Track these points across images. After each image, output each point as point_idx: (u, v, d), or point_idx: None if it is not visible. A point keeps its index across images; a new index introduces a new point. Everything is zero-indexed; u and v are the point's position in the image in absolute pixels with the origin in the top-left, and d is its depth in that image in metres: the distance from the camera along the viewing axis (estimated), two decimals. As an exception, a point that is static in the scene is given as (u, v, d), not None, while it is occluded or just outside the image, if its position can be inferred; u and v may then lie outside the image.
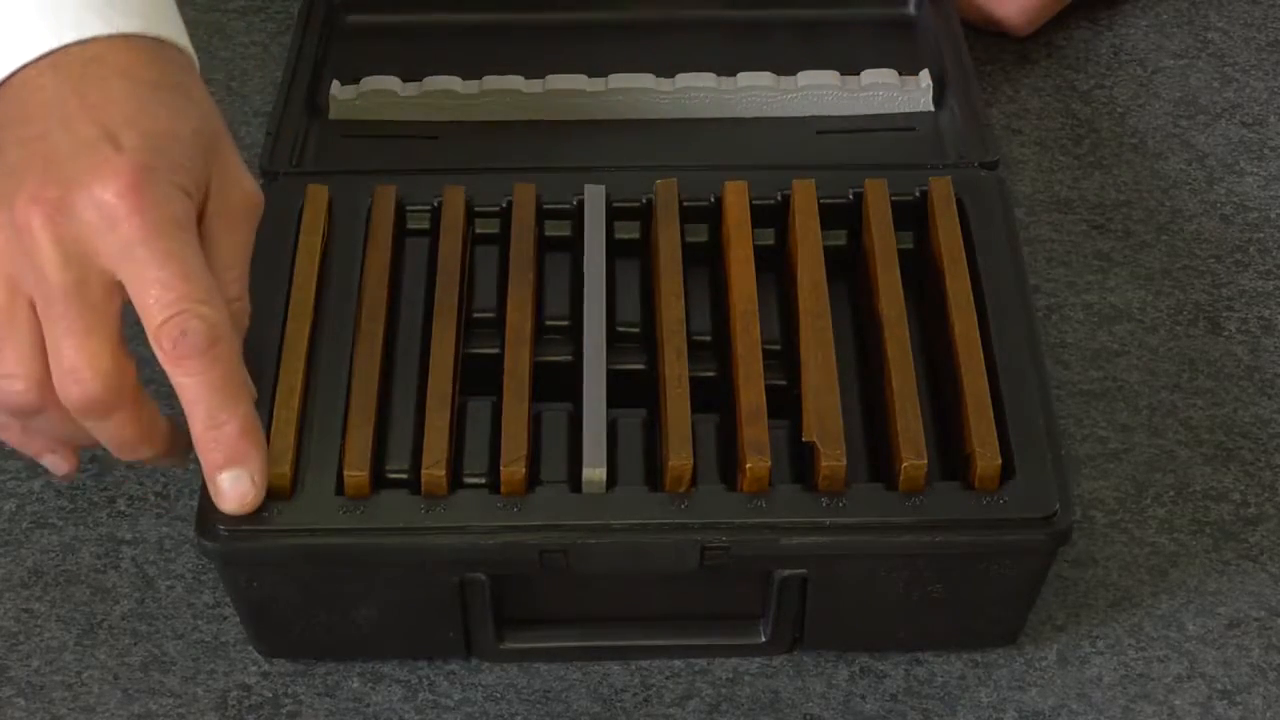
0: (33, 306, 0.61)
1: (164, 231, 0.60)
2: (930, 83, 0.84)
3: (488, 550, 0.65)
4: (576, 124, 0.83)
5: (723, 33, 0.89)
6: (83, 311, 0.60)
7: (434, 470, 0.66)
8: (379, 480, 0.67)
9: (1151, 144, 0.89)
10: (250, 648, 0.70)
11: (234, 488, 0.63)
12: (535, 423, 0.70)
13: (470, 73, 0.84)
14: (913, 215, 0.76)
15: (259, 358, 0.69)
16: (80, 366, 0.60)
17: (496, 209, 0.75)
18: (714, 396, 0.71)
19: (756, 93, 0.84)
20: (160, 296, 0.60)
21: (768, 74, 0.84)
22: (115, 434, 0.63)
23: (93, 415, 0.62)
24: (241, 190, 0.64)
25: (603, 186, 0.75)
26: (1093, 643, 0.70)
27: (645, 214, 0.76)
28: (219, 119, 0.65)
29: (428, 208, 0.75)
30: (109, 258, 0.60)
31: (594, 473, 0.66)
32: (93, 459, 0.76)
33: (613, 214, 0.76)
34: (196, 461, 0.75)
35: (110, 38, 0.63)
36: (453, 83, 0.83)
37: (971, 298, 0.71)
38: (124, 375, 0.61)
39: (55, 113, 0.61)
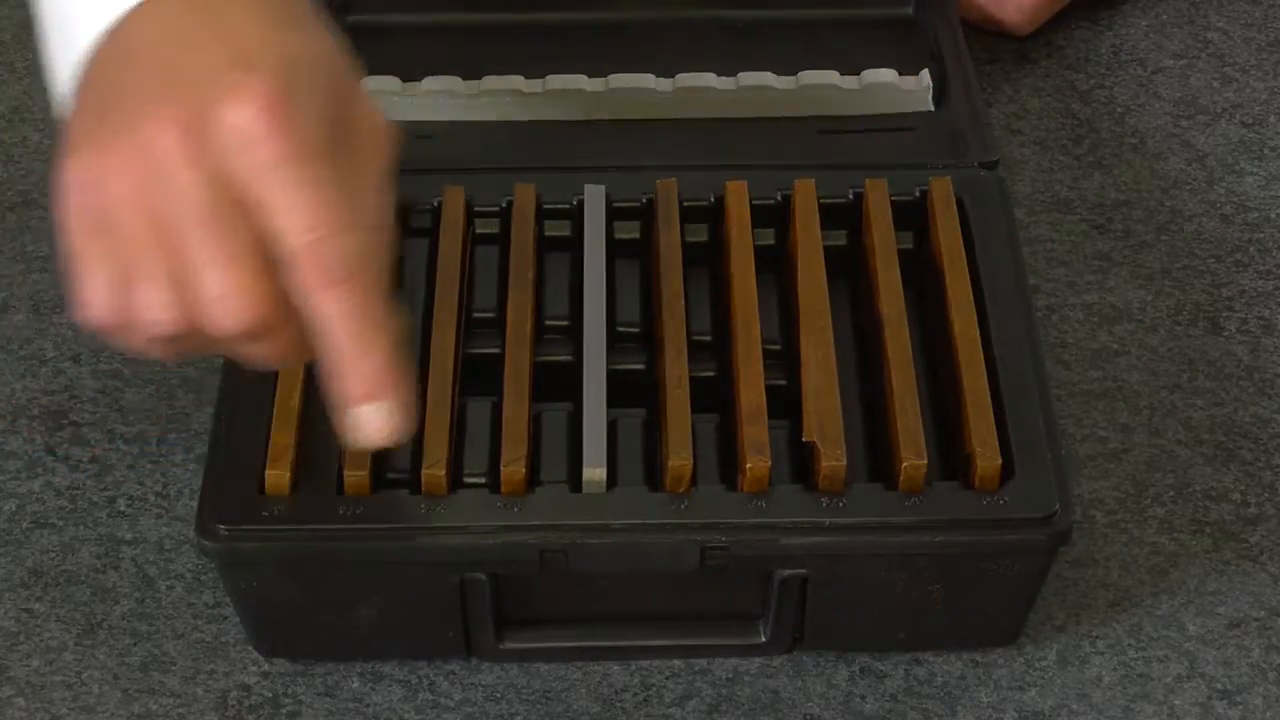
0: (167, 232, 0.58)
1: (304, 155, 0.57)
2: (930, 83, 0.84)
3: (488, 550, 0.65)
4: (576, 124, 0.83)
5: (723, 33, 0.89)
6: (226, 237, 0.58)
7: (434, 470, 0.65)
8: (379, 480, 0.66)
9: (1151, 144, 0.89)
10: (250, 648, 0.70)
11: (373, 419, 0.60)
12: (535, 423, 0.70)
13: (470, 73, 0.84)
14: (913, 215, 0.76)
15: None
16: (229, 294, 0.58)
17: (496, 209, 0.75)
18: (714, 396, 0.71)
19: (756, 93, 0.84)
20: (300, 221, 0.57)
21: (768, 74, 0.84)
22: (265, 352, 0.60)
23: (243, 340, 0.59)
24: (372, 120, 0.61)
25: (603, 187, 0.75)
26: (1093, 643, 0.70)
27: (645, 214, 0.76)
28: (341, 52, 0.62)
29: (428, 208, 0.75)
30: (247, 178, 0.58)
31: (594, 473, 0.66)
32: (93, 459, 0.76)
33: (613, 214, 0.76)
34: (196, 461, 0.75)
35: None
36: (453, 83, 0.83)
37: (971, 298, 0.71)
38: (275, 300, 0.58)
39: (184, 39, 0.59)
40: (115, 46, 0.61)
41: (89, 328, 0.60)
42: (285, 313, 0.58)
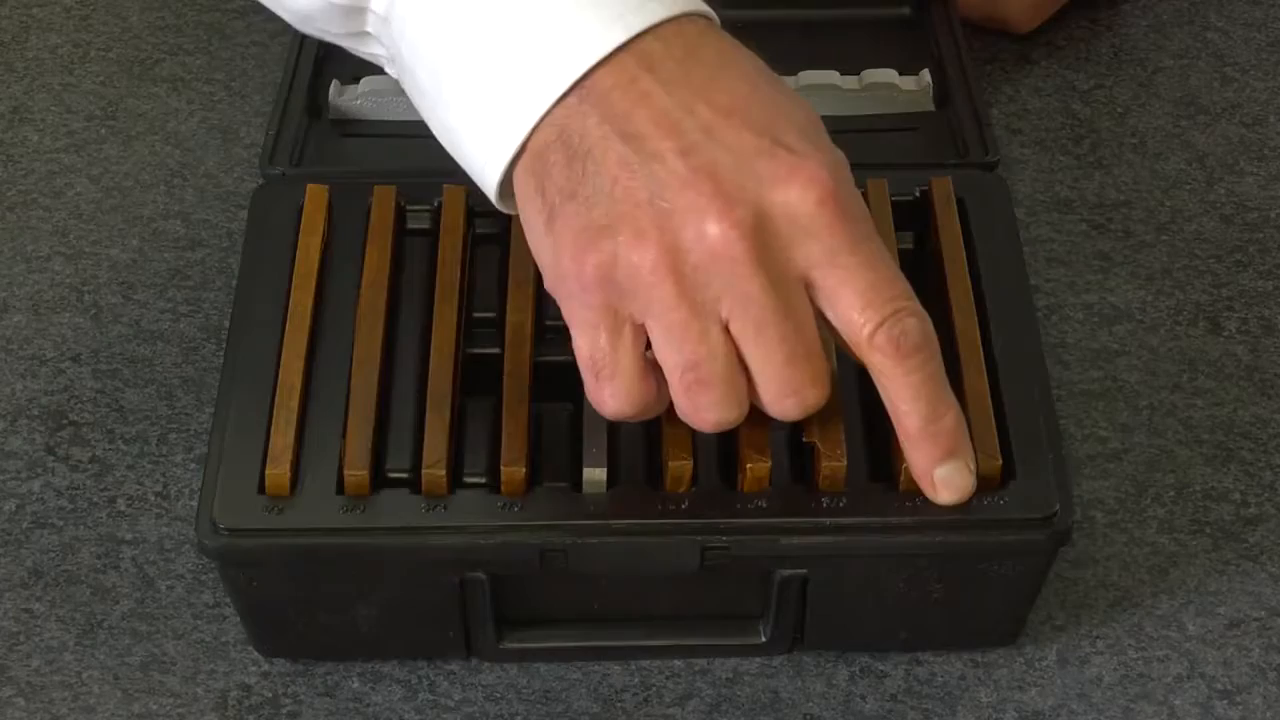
0: (723, 326, 0.58)
1: (863, 234, 0.58)
2: (930, 83, 0.84)
3: (488, 550, 0.65)
4: (577, 124, 0.83)
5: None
6: (798, 329, 0.58)
7: (434, 470, 0.65)
8: (379, 480, 0.66)
9: (1151, 144, 0.89)
10: (250, 648, 0.70)
11: (954, 478, 0.62)
12: (535, 423, 0.70)
13: (470, 73, 0.84)
14: (913, 215, 0.76)
15: (258, 358, 0.69)
16: (805, 387, 0.59)
17: (497, 209, 0.75)
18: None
19: (756, 93, 0.84)
20: (873, 300, 0.58)
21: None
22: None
23: (797, 417, 0.61)
24: (840, 153, 0.61)
25: None
26: (1093, 643, 0.70)
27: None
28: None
29: (428, 208, 0.75)
30: (806, 266, 0.58)
31: (594, 473, 0.66)
32: (93, 459, 0.76)
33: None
34: (196, 461, 0.75)
35: (678, 20, 0.59)
36: (453, 83, 0.83)
37: (971, 298, 0.71)
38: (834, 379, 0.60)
39: (685, 120, 0.57)
40: (593, 118, 0.58)
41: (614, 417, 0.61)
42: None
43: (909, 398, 0.60)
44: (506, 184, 0.62)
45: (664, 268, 0.57)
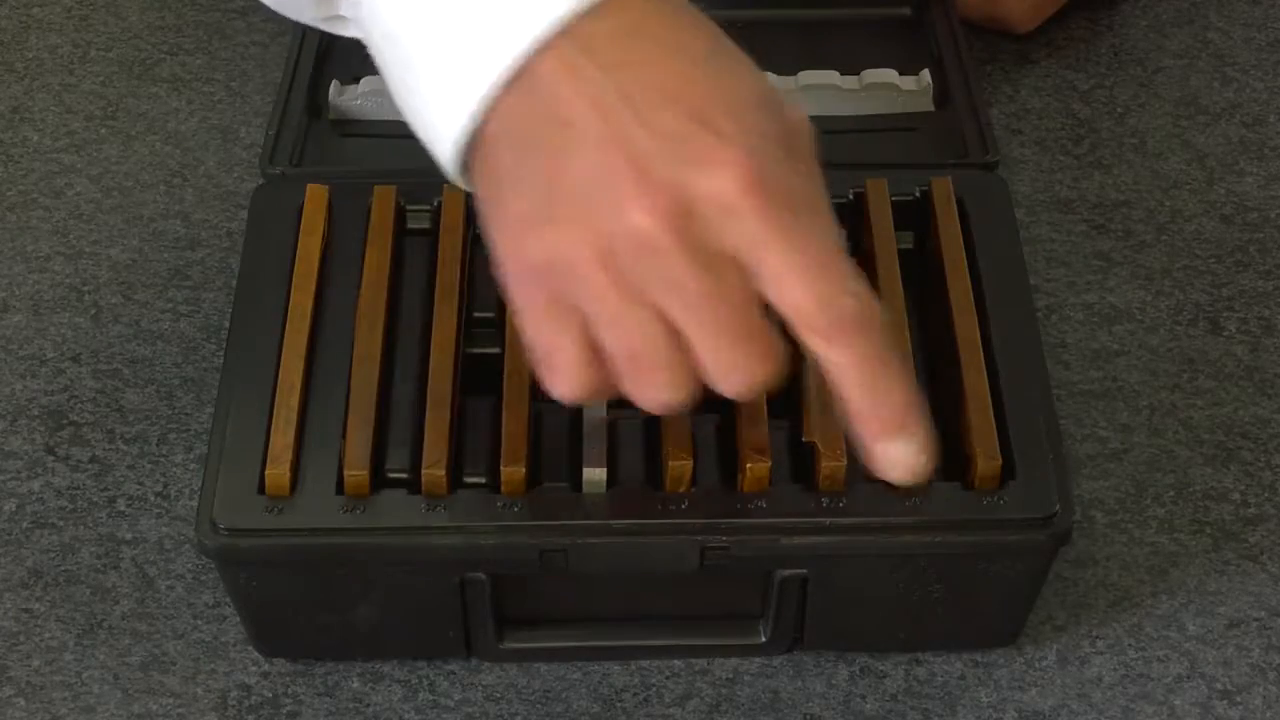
0: (659, 312, 0.57)
1: (790, 218, 0.57)
2: (930, 83, 0.84)
3: (488, 550, 0.65)
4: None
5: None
6: (735, 309, 0.57)
7: (434, 470, 0.65)
8: (379, 480, 0.66)
9: (1151, 144, 0.89)
10: (250, 648, 0.70)
11: (902, 457, 0.60)
12: (535, 423, 0.70)
13: (470, 73, 0.84)
14: (913, 215, 0.76)
15: (258, 358, 0.69)
16: (742, 366, 0.58)
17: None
18: (714, 396, 0.71)
19: (756, 93, 0.84)
20: (805, 284, 0.57)
21: (768, 74, 0.84)
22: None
23: (748, 395, 0.59)
24: (799, 122, 0.60)
25: None
26: (1093, 643, 0.70)
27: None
28: (747, 59, 0.60)
29: (428, 208, 0.75)
30: (736, 248, 0.57)
31: (594, 473, 0.66)
32: (92, 459, 0.76)
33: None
34: (196, 461, 0.75)
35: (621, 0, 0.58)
36: (453, 83, 0.83)
37: (972, 298, 0.71)
38: (785, 355, 0.58)
39: (624, 97, 0.57)
40: (534, 105, 0.58)
41: (562, 399, 0.61)
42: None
43: (851, 381, 0.59)
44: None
45: (594, 258, 0.57)
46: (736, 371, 0.58)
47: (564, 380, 0.60)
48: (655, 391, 0.59)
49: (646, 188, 0.56)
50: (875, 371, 0.59)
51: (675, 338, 0.58)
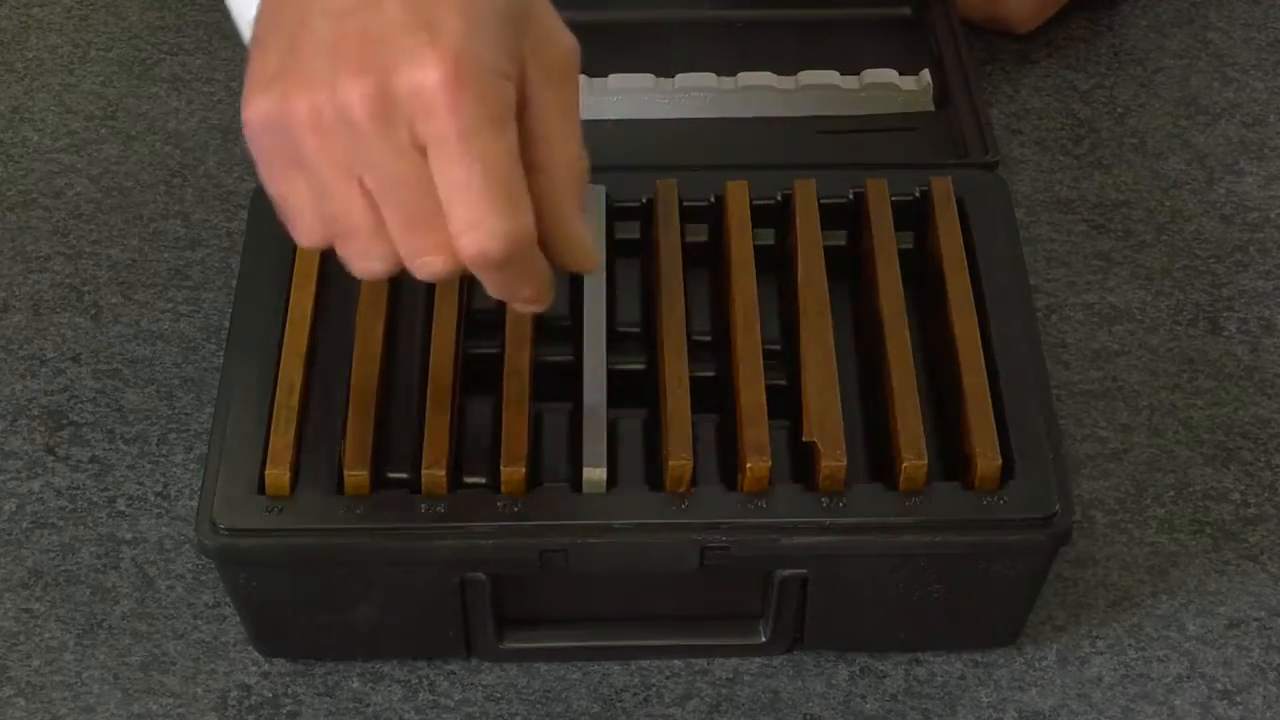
0: (359, 185, 0.60)
1: (478, 129, 0.58)
2: (930, 83, 0.84)
3: (488, 550, 0.65)
4: (577, 124, 0.83)
5: (723, 33, 0.89)
6: (418, 200, 0.59)
7: (434, 470, 0.65)
8: (379, 480, 0.66)
9: (1151, 144, 0.89)
10: (250, 648, 0.70)
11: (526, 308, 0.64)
12: (535, 423, 0.70)
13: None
14: (913, 215, 0.76)
15: (258, 358, 0.69)
16: (422, 252, 0.60)
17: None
18: (714, 396, 0.71)
19: (756, 93, 0.84)
20: (463, 204, 0.59)
21: (768, 74, 0.84)
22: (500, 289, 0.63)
23: (484, 275, 0.62)
24: (560, 46, 0.62)
25: (603, 187, 0.75)
26: (1093, 643, 0.70)
27: (645, 214, 0.76)
28: None
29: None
30: (424, 142, 0.59)
31: (594, 473, 0.66)
32: (93, 459, 0.76)
33: (613, 214, 0.76)
34: (196, 461, 0.75)
35: None
36: (453, 83, 0.83)
37: (971, 298, 0.71)
38: (500, 247, 0.60)
39: None
40: None
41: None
42: (521, 252, 0.61)
43: (491, 289, 0.62)
44: None
45: (309, 122, 0.59)
46: (415, 256, 0.60)
47: (298, 227, 0.62)
48: (355, 259, 0.62)
49: (363, 66, 0.59)
50: (508, 291, 0.62)
51: (375, 211, 0.60)
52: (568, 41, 0.62)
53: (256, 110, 0.60)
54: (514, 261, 0.60)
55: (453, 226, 0.59)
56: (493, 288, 0.62)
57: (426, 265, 0.61)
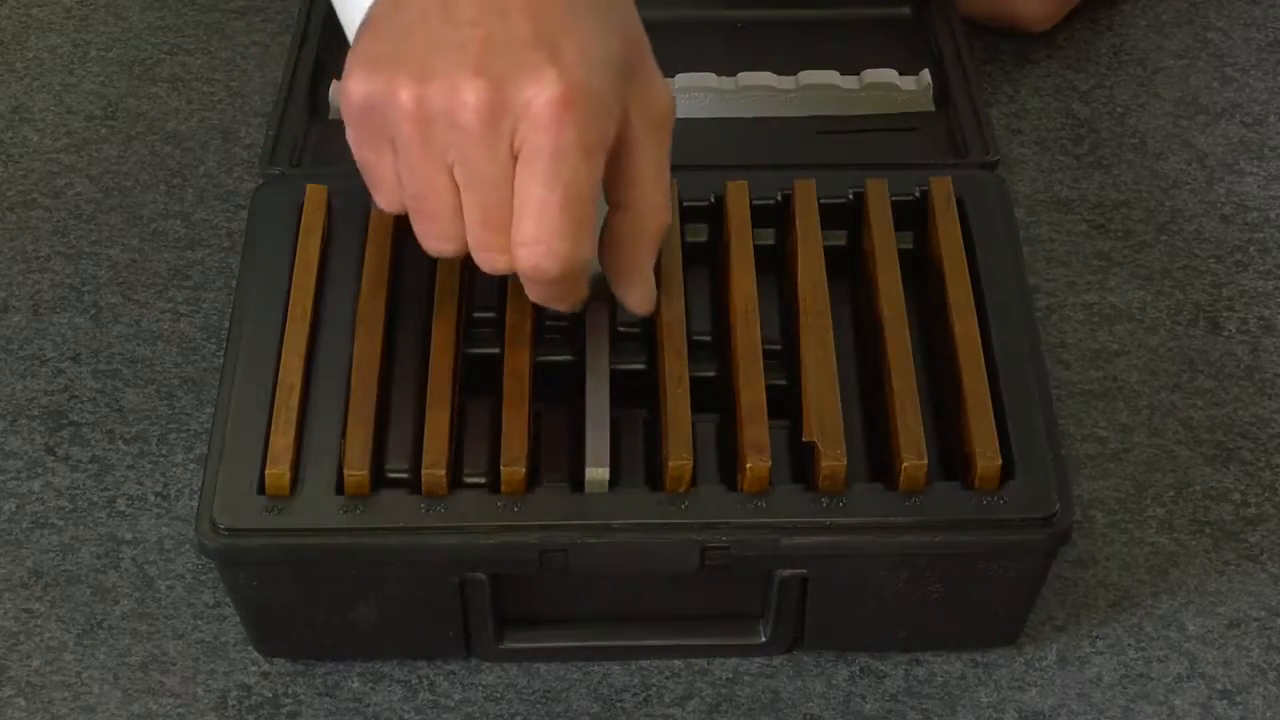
0: (446, 175, 0.64)
1: (572, 153, 0.62)
2: (930, 83, 0.84)
3: (488, 550, 0.65)
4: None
5: (723, 33, 0.89)
6: (501, 203, 0.63)
7: (434, 470, 0.66)
8: (379, 480, 0.66)
9: (1151, 144, 0.89)
10: (250, 648, 0.70)
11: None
12: (535, 423, 0.70)
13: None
14: (913, 215, 0.76)
15: (259, 358, 0.69)
16: (492, 251, 0.64)
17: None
18: (714, 396, 0.71)
19: (756, 93, 0.84)
20: (533, 220, 0.62)
21: (768, 74, 0.84)
22: (547, 296, 0.66)
23: (527, 282, 0.65)
24: (660, 101, 0.66)
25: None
26: (1093, 643, 0.70)
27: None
28: (638, 24, 0.66)
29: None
30: (519, 151, 0.62)
31: (596, 472, 0.66)
32: (93, 459, 0.76)
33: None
34: (196, 461, 0.75)
35: None
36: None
37: (971, 298, 0.71)
38: (556, 267, 0.63)
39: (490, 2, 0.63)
40: None
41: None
42: (575, 274, 0.64)
43: (533, 297, 0.65)
44: None
45: (412, 111, 0.63)
46: (482, 250, 0.64)
47: (379, 194, 0.66)
48: (430, 238, 0.65)
49: (483, 69, 0.62)
50: (558, 300, 0.66)
51: (457, 197, 0.64)
52: (668, 98, 0.66)
53: (360, 89, 0.63)
54: (563, 282, 0.64)
55: (518, 235, 0.63)
56: (533, 295, 0.66)
57: (491, 261, 0.64)
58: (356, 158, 0.66)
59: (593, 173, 0.63)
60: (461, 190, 0.64)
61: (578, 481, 0.66)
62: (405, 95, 0.62)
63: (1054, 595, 0.71)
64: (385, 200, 0.66)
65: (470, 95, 0.62)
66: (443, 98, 0.62)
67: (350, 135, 0.65)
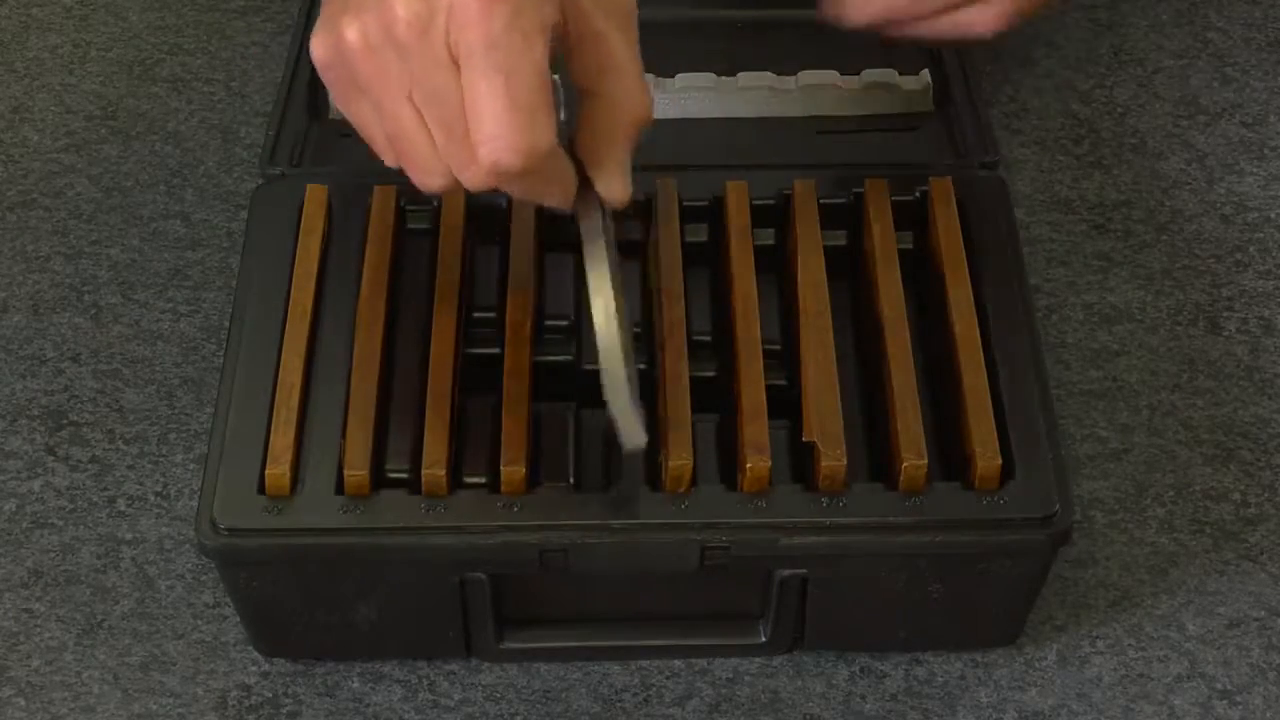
0: (410, 99, 0.63)
1: (507, 42, 0.61)
2: (930, 83, 0.84)
3: (488, 550, 0.65)
4: (576, 124, 0.83)
5: (723, 33, 0.89)
6: (455, 112, 0.62)
7: (434, 470, 0.66)
8: (379, 480, 0.67)
9: (1151, 144, 0.89)
10: (250, 648, 0.70)
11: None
12: (535, 423, 0.70)
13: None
14: (913, 215, 0.76)
15: (258, 358, 0.69)
16: (466, 164, 0.63)
17: (496, 209, 0.75)
18: (714, 396, 0.71)
19: (756, 93, 0.84)
20: (482, 117, 0.61)
21: (768, 74, 0.84)
22: (524, 194, 0.65)
23: (503, 184, 0.64)
24: None
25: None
26: (1093, 643, 0.70)
27: (646, 214, 0.76)
28: None
29: (428, 208, 0.75)
30: (457, 54, 0.62)
31: (634, 438, 0.65)
32: (93, 459, 0.76)
33: (613, 214, 0.75)
34: (196, 461, 0.75)
35: None
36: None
37: (971, 298, 0.71)
38: (515, 161, 0.62)
39: None
40: None
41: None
42: (548, 160, 0.63)
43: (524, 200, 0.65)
44: None
45: (363, 50, 0.63)
46: (461, 168, 0.63)
47: (376, 150, 0.65)
48: (416, 175, 0.65)
49: None
50: (521, 194, 0.65)
51: (426, 127, 0.63)
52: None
53: (319, 46, 0.64)
54: (530, 174, 0.62)
55: (475, 137, 0.62)
56: (515, 194, 0.65)
57: (470, 177, 0.63)
58: (350, 120, 0.66)
59: (534, 60, 0.61)
60: (424, 115, 0.63)
61: (578, 482, 0.66)
62: (350, 34, 0.63)
63: (1054, 595, 0.71)
64: (381, 154, 0.66)
65: (400, 9, 0.61)
66: (377, 23, 0.62)
67: (335, 97, 0.66)
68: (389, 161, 0.65)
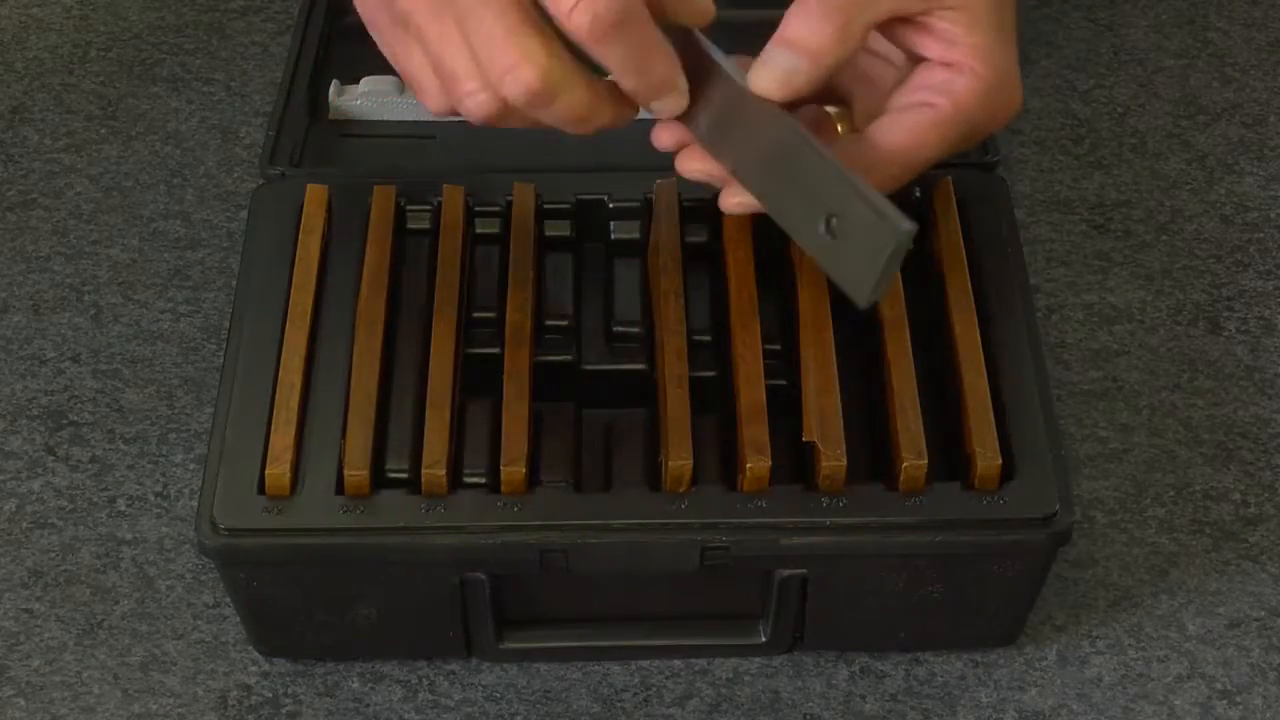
0: (455, 25, 0.62)
1: None
2: (930, 83, 0.84)
3: (488, 550, 0.65)
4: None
5: (723, 33, 0.89)
6: (501, 16, 0.61)
7: (434, 470, 0.66)
8: (379, 480, 0.66)
9: (1151, 144, 0.89)
10: (250, 648, 0.70)
11: (666, 106, 0.65)
12: (535, 423, 0.70)
13: (470, 73, 0.84)
14: (913, 215, 0.75)
15: (259, 358, 0.69)
16: (512, 66, 0.62)
17: (496, 209, 0.75)
18: (714, 396, 0.71)
19: (756, 93, 0.83)
20: (487, 50, 0.61)
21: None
22: (565, 115, 0.64)
23: (542, 106, 0.63)
24: None
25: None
26: (1093, 643, 0.70)
27: (645, 214, 0.76)
28: None
29: (428, 208, 0.75)
30: None
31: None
32: (93, 459, 0.76)
33: (612, 214, 0.76)
34: (196, 461, 0.75)
35: None
36: (453, 83, 0.83)
37: (971, 298, 0.71)
38: (552, 64, 0.62)
39: None
40: None
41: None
42: (573, 76, 0.62)
43: (613, 66, 0.63)
44: None
45: None
46: (510, 71, 0.61)
47: (426, 97, 0.65)
48: (467, 103, 0.63)
49: None
50: (636, 57, 0.63)
51: (477, 61, 0.62)
52: None
53: None
54: (545, 94, 0.62)
55: (564, 6, 0.61)
56: (547, 121, 0.63)
57: (514, 79, 0.61)
58: (394, 64, 0.65)
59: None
60: (473, 48, 0.62)
61: (578, 482, 0.66)
62: None
63: (1054, 595, 0.71)
64: (432, 101, 0.65)
65: None
66: None
67: (380, 42, 0.65)
68: (440, 110, 0.65)
